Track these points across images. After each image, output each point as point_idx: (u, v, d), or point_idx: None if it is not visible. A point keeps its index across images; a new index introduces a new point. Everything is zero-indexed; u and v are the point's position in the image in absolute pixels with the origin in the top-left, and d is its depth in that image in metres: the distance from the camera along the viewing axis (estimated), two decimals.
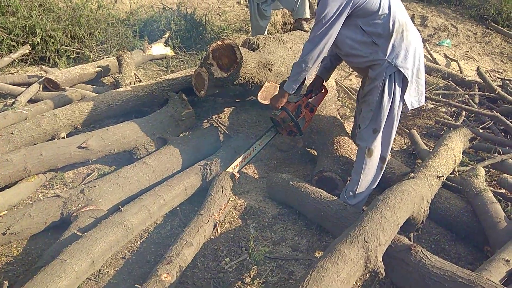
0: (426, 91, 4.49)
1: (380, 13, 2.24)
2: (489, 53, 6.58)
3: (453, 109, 4.35)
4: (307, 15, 4.95)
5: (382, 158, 2.48)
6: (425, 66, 5.24)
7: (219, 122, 3.79)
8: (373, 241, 1.65)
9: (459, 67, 5.51)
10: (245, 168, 3.20)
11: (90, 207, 2.26)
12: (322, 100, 2.86)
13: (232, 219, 2.57)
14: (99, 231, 1.96)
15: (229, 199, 2.62)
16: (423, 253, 1.75)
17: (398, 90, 2.32)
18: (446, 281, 1.62)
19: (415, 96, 2.41)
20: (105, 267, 2.09)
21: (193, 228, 2.17)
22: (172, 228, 2.48)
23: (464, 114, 4.19)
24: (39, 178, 2.64)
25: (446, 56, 6.00)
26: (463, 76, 4.95)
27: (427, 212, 2.16)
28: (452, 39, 6.71)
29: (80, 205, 2.29)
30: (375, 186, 2.54)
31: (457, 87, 4.70)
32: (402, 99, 2.36)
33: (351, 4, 2.18)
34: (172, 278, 1.88)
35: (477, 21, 7.41)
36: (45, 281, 1.63)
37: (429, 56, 5.71)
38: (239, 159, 2.79)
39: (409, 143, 3.71)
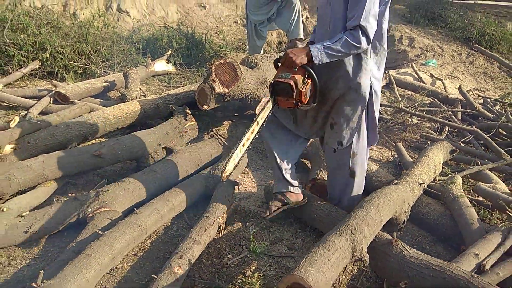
0: (411, 107, 4.82)
1: (385, 19, 2.21)
2: (472, 73, 6.96)
3: (437, 125, 4.67)
4: (301, 35, 5.30)
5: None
6: (411, 84, 5.64)
7: (219, 135, 4.05)
8: (359, 233, 1.90)
9: (444, 85, 5.87)
10: (244, 177, 3.45)
11: (105, 209, 2.49)
12: None
13: (233, 222, 2.81)
14: (118, 230, 2.19)
15: (231, 204, 2.86)
16: (402, 246, 2.01)
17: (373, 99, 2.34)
18: (421, 268, 1.88)
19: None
20: (120, 262, 2.30)
21: (200, 228, 2.40)
22: (178, 229, 2.70)
23: (447, 129, 4.50)
24: (55, 184, 2.86)
25: (431, 75, 6.36)
26: (447, 94, 5.29)
27: (408, 214, 2.42)
28: (438, 59, 7.10)
29: (95, 207, 2.51)
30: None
31: (441, 104, 5.03)
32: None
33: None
34: (183, 271, 2.10)
35: (462, 43, 7.84)
36: (74, 272, 1.85)
37: (415, 75, 6.07)
38: (245, 138, 2.45)
39: (395, 155, 3.99)
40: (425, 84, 5.77)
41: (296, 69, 2.12)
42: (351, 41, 2.01)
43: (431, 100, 5.22)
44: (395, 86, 5.61)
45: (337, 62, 2.16)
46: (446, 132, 4.45)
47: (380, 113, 4.87)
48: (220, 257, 2.44)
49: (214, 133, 4.06)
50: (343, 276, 2.36)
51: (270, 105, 2.39)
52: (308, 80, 2.18)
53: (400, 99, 5.17)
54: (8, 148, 3.02)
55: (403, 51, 7.30)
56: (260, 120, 2.43)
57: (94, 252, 1.98)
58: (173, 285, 2.02)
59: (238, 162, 2.32)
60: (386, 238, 2.10)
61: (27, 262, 2.31)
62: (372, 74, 2.27)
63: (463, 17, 8.24)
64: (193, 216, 2.84)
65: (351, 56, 2.17)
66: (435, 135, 4.38)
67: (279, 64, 2.24)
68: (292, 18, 5.10)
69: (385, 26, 2.22)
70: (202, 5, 8.22)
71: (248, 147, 2.38)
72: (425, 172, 2.90)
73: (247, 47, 6.06)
